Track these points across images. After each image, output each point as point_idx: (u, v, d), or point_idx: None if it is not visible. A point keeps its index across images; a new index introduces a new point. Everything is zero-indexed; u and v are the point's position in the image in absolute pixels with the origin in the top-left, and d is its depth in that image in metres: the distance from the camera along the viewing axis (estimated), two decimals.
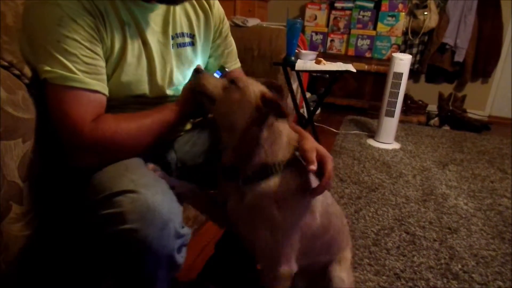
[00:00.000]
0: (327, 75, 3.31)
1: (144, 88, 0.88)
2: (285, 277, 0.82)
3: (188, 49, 0.96)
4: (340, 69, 1.88)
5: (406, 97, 3.40)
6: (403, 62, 2.70)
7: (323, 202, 0.86)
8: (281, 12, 4.03)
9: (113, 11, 0.80)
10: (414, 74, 3.93)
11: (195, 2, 0.99)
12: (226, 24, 1.07)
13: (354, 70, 1.91)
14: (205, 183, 0.92)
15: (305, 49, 2.65)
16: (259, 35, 2.45)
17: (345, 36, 3.80)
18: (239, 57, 1.14)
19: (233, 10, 2.91)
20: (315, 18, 3.85)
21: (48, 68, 0.71)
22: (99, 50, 0.77)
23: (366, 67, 3.53)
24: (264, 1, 3.46)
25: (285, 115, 0.78)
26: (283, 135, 0.79)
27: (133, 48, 0.84)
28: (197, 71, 0.86)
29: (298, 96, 2.82)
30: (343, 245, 0.98)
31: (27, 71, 0.72)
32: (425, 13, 3.54)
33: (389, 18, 3.58)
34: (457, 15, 3.57)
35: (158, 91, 0.91)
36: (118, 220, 0.65)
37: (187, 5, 0.96)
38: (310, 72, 2.68)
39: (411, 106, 3.69)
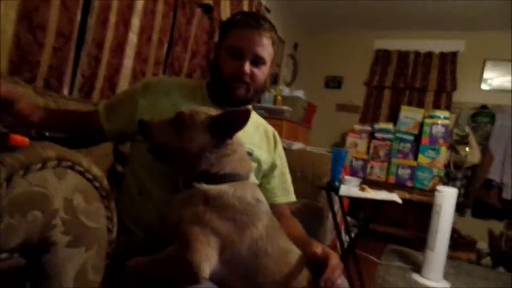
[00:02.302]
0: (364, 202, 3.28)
1: None
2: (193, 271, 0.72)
3: None
4: (385, 198, 1.87)
5: (453, 231, 3.22)
6: (448, 195, 2.65)
7: (258, 236, 0.79)
8: (323, 138, 4.28)
9: (180, 100, 1.04)
10: (459, 207, 3.78)
11: (267, 132, 1.18)
12: (285, 162, 1.21)
13: (400, 201, 1.89)
14: None
15: (346, 174, 2.69)
16: (302, 158, 2.56)
17: (385, 164, 3.87)
18: None
19: (279, 133, 3.12)
20: (356, 145, 4.01)
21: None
22: (125, 101, 1.07)
23: (407, 195, 3.47)
24: (308, 128, 3.72)
25: (233, 130, 0.84)
26: (236, 153, 0.86)
27: None
28: (141, 123, 0.89)
29: (338, 219, 2.75)
30: None
31: (106, 184, 0.79)
32: (467, 149, 3.59)
33: (430, 151, 3.65)
34: (500, 153, 3.58)
35: None
36: None
37: (256, 129, 1.14)
38: (355, 198, 2.68)
39: (459, 242, 3.45)
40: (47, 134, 0.69)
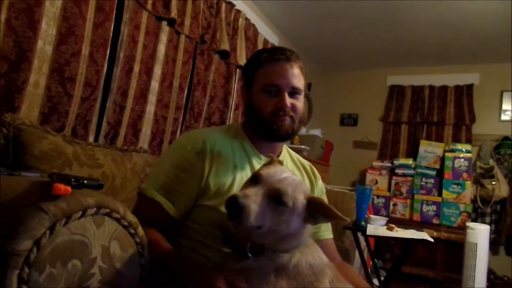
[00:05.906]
0: (393, 241, 3.15)
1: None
2: None
3: None
4: (415, 237, 1.78)
5: (488, 271, 3.02)
6: (481, 232, 2.52)
7: None
8: (341, 176, 4.22)
9: (230, 154, 1.01)
10: (491, 245, 3.59)
11: (305, 168, 1.16)
12: (325, 197, 1.17)
13: (432, 240, 1.80)
14: None
15: (370, 213, 2.61)
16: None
17: (408, 201, 3.76)
18: None
19: None
20: (376, 182, 3.93)
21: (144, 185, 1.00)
22: (185, 178, 0.97)
23: (435, 233, 3.32)
24: (326, 166, 3.69)
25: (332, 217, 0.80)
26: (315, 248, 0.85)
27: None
28: (232, 202, 0.71)
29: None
30: None
31: (140, 230, 0.78)
32: (493, 182, 3.47)
33: (454, 186, 3.54)
34: None
35: None
36: None
37: (296, 168, 1.14)
38: (383, 238, 2.58)
39: (496, 283, 3.23)
40: (85, 182, 0.70)
